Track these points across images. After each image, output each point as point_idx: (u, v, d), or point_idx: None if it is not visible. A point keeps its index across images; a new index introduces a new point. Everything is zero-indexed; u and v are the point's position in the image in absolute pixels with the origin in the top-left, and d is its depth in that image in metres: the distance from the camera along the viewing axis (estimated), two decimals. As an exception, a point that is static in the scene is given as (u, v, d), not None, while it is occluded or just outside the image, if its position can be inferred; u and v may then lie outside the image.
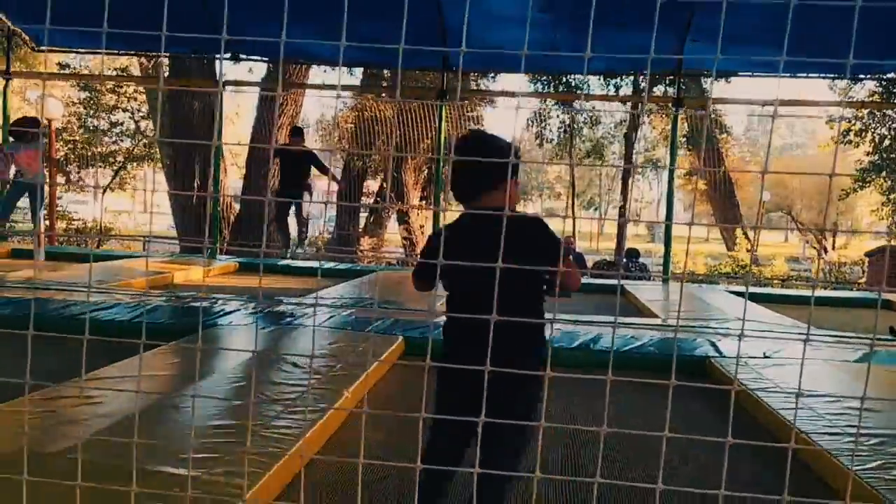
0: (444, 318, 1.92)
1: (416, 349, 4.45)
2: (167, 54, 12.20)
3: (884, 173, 18.97)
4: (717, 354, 4.44)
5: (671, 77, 10.71)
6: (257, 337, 4.51)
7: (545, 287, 1.87)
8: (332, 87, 11.67)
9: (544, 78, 17.66)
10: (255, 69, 17.39)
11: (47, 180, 8.01)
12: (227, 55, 10.37)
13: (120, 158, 19.99)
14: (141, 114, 19.54)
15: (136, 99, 19.17)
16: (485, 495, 1.46)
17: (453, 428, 1.66)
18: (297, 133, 8.16)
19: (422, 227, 16.67)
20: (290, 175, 7.59)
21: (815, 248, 26.88)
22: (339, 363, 3.82)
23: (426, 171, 17.16)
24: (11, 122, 8.41)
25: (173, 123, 15.02)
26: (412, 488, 2.07)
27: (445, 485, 1.89)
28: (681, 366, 4.31)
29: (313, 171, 7.96)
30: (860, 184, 19.34)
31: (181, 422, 2.71)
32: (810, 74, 9.82)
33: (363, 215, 18.22)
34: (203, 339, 4.32)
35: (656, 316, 6.12)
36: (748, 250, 19.92)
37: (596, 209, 40.61)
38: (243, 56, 10.48)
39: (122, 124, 19.88)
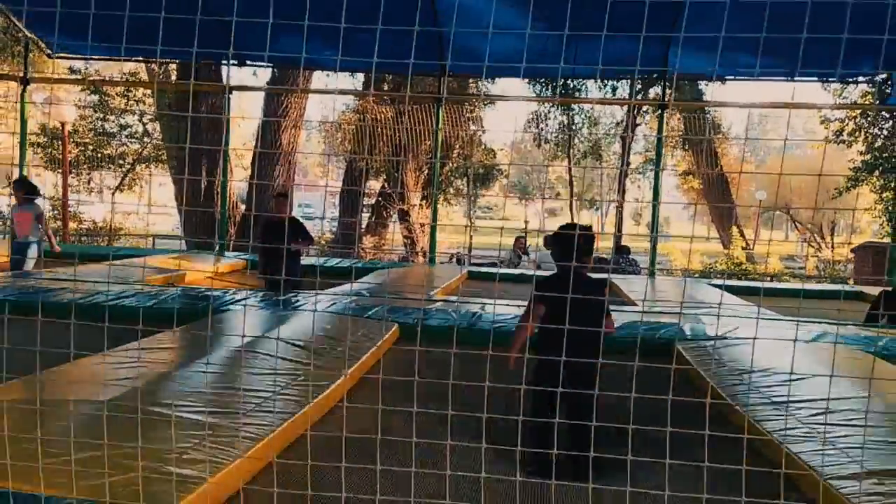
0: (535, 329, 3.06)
1: (410, 335, 4.90)
2: (176, 61, 12.70)
3: (877, 172, 19.25)
4: (681, 335, 4.90)
5: (660, 81, 11.15)
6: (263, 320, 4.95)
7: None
8: (333, 91, 12.11)
9: (542, 80, 18.08)
10: (261, 72, 17.82)
11: (40, 240, 7.75)
12: (234, 62, 10.86)
13: (129, 160, 20.44)
14: (149, 116, 20.01)
15: (144, 102, 19.64)
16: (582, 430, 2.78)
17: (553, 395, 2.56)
18: (282, 197, 7.55)
19: (422, 225, 17.04)
20: (273, 244, 6.58)
21: (812, 245, 27.20)
22: (340, 346, 4.27)
23: (426, 172, 17.58)
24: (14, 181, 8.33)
25: (180, 127, 15.52)
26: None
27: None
28: (650, 345, 4.79)
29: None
30: (853, 182, 19.59)
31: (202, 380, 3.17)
32: (796, 79, 10.20)
33: (365, 214, 18.63)
34: (221, 320, 4.78)
35: (636, 304, 6.57)
36: (743, 248, 20.29)
37: (597, 209, 40.96)
38: (249, 62, 10.94)
39: (130, 126, 20.36)
